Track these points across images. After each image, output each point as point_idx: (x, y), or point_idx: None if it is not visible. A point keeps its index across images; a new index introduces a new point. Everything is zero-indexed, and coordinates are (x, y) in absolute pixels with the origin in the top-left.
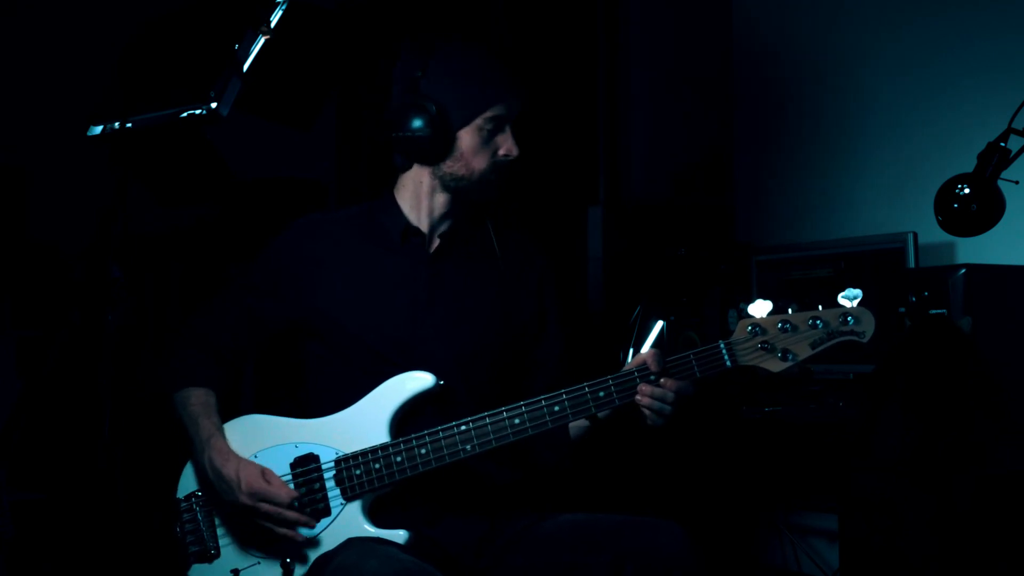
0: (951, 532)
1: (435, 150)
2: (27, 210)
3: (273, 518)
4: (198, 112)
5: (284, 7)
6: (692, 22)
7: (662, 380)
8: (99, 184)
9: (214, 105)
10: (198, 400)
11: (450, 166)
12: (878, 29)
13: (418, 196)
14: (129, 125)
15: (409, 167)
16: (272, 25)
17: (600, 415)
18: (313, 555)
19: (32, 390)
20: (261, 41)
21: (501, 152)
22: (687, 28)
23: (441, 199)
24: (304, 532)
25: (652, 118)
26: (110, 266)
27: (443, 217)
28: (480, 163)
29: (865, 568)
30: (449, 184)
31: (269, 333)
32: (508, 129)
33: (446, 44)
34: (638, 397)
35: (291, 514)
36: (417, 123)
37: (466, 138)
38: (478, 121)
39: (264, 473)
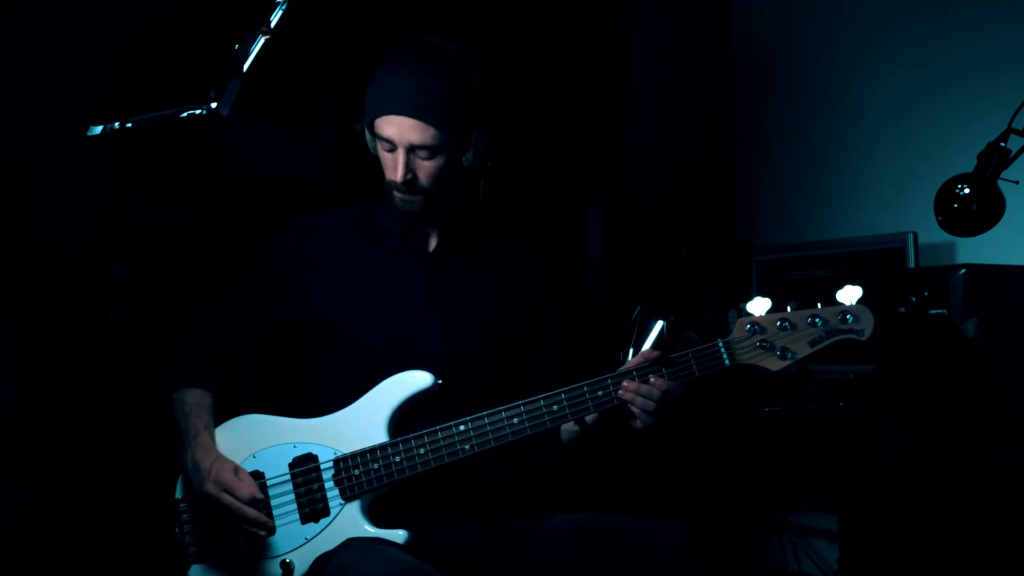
0: (950, 532)
1: (367, 147)
2: (27, 210)
3: (231, 511)
4: (198, 112)
5: (284, 7)
6: (692, 22)
7: (651, 379)
8: (99, 184)
9: (214, 105)
10: (193, 400)
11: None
12: (878, 29)
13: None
14: (129, 125)
15: None
16: (272, 25)
17: (588, 419)
18: (320, 543)
19: (32, 390)
20: (261, 41)
21: (391, 174)
22: (687, 28)
23: None
24: (303, 532)
25: (652, 118)
26: (110, 266)
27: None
28: (385, 173)
29: (865, 568)
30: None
31: (269, 333)
32: (400, 153)
33: (404, 47)
34: (621, 392)
35: (249, 511)
36: (354, 120)
37: (377, 146)
38: (375, 132)
39: (237, 470)
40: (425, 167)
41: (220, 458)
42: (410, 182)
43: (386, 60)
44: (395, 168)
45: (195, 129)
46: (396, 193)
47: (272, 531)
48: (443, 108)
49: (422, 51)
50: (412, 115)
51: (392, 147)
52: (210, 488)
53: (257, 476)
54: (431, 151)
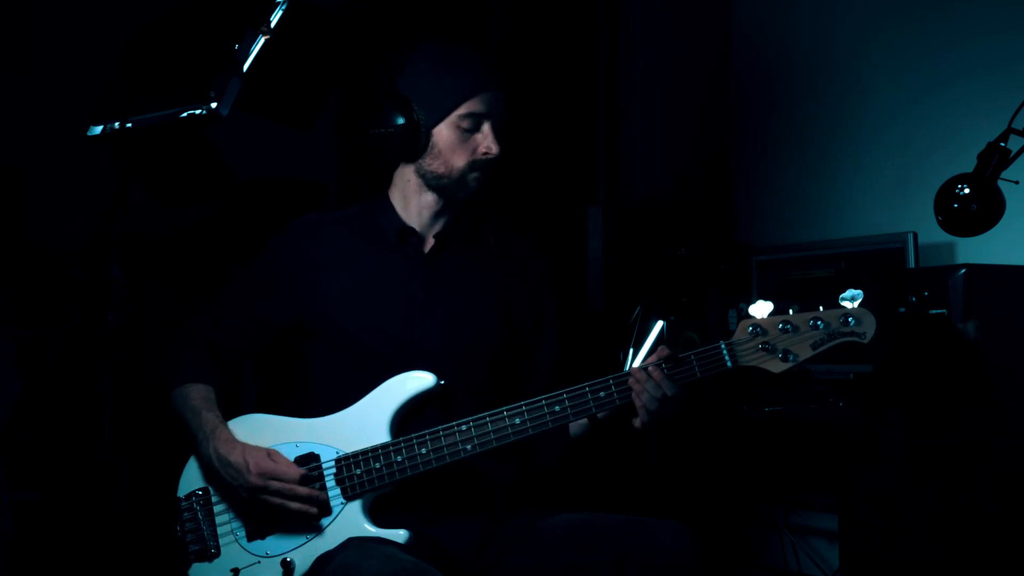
0: (951, 532)
1: (408, 147)
2: (27, 210)
3: (284, 494)
4: (198, 112)
5: (284, 7)
6: (692, 23)
7: (650, 369)
8: (99, 184)
9: (214, 105)
10: (198, 395)
11: (429, 163)
12: (878, 29)
13: (406, 195)
14: (129, 125)
15: (396, 165)
16: (272, 25)
17: (600, 416)
18: (321, 543)
19: (32, 390)
20: (261, 41)
21: (480, 150)
22: (687, 29)
23: (429, 197)
24: (305, 531)
25: (652, 118)
26: (110, 266)
27: (435, 216)
28: (459, 161)
29: (865, 568)
30: (431, 182)
31: (269, 333)
32: (487, 127)
33: (425, 42)
34: (631, 382)
35: (302, 489)
36: (388, 120)
37: (442, 135)
38: (452, 118)
39: (270, 454)
40: (500, 139)
41: (248, 448)
42: (500, 154)
43: (430, 59)
44: (476, 148)
45: (195, 129)
46: (474, 174)
47: (325, 502)
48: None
49: (450, 40)
50: (497, 86)
51: (476, 126)
52: (254, 480)
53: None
54: (504, 120)
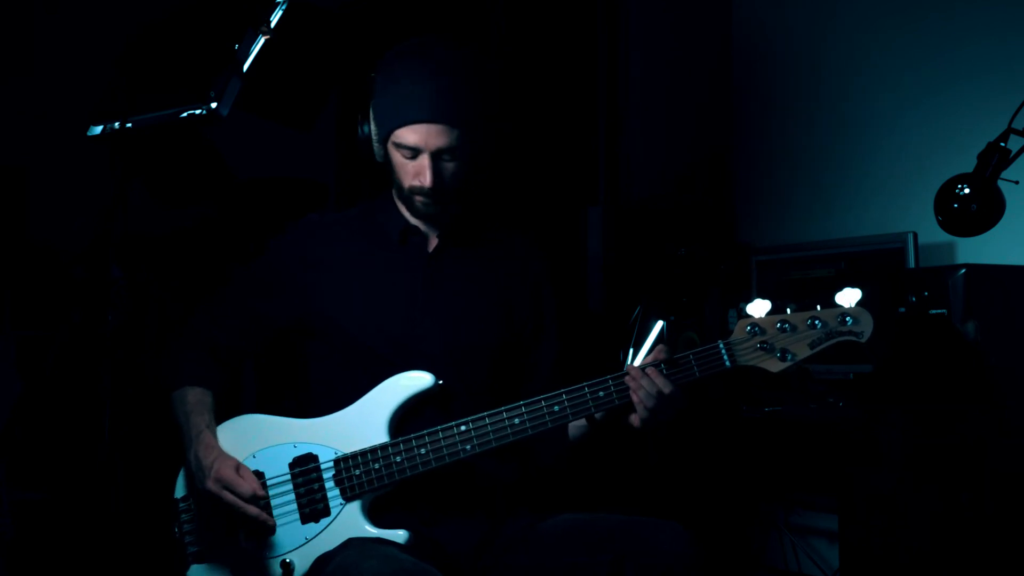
0: (951, 532)
1: (368, 155)
2: (27, 210)
3: (232, 508)
4: (198, 112)
5: (284, 7)
6: (692, 23)
7: (648, 370)
8: (99, 184)
9: (214, 105)
10: (194, 399)
11: (393, 172)
12: (878, 29)
13: (400, 197)
14: (129, 125)
15: None
16: (272, 25)
17: (598, 416)
18: (320, 543)
19: (32, 390)
20: (261, 41)
21: (418, 180)
22: (687, 29)
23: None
24: (304, 531)
25: (652, 118)
26: (110, 266)
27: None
28: (404, 180)
29: (865, 568)
30: (396, 191)
31: (269, 333)
32: (425, 158)
33: (406, 52)
34: (627, 379)
35: (250, 508)
36: (357, 126)
37: (391, 151)
38: (390, 141)
39: (239, 467)
40: (449, 168)
41: (222, 455)
42: (436, 186)
43: (388, 70)
44: (417, 174)
45: (195, 129)
46: (418, 198)
47: (272, 529)
48: (462, 107)
49: (427, 53)
50: (437, 120)
51: (415, 154)
52: (211, 486)
53: (257, 476)
54: (454, 152)
